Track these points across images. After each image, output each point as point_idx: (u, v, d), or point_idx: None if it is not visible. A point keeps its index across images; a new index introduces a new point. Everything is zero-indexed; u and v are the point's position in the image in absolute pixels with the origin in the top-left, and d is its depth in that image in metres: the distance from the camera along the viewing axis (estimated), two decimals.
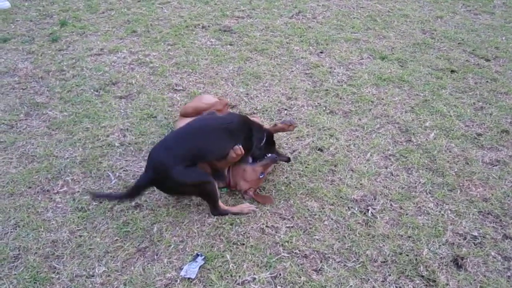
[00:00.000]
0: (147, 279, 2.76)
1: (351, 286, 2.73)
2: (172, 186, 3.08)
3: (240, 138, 3.22)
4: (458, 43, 5.81)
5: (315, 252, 2.95)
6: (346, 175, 3.58)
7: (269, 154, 3.41)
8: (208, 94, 4.43)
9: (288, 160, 3.63)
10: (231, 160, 3.18)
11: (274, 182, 3.50)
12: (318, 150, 3.85)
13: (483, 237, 3.09)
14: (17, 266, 2.85)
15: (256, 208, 3.24)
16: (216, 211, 3.18)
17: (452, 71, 5.12)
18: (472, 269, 2.85)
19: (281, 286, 2.73)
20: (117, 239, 3.03)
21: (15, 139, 3.94)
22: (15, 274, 2.79)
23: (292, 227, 3.14)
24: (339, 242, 3.02)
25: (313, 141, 3.94)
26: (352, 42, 5.75)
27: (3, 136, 3.98)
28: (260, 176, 3.34)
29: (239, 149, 3.12)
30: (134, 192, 3.05)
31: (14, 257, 2.91)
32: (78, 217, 3.19)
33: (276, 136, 3.93)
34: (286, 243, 3.00)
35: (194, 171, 3.02)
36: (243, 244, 2.99)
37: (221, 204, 3.19)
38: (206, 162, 3.19)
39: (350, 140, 3.98)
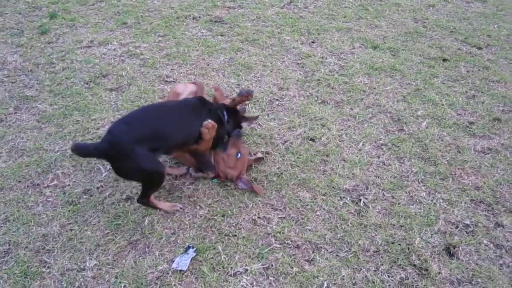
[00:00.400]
0: (139, 272, 2.75)
1: (343, 276, 2.73)
2: (126, 167, 2.88)
3: (203, 114, 3.12)
4: (450, 32, 5.80)
5: (307, 242, 2.94)
6: (338, 165, 3.57)
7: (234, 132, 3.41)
8: (180, 83, 4.34)
9: (256, 117, 3.72)
10: (207, 137, 3.08)
11: (265, 173, 3.49)
12: (310, 140, 3.84)
13: (475, 225, 3.09)
14: (7, 261, 2.84)
15: (182, 208, 3.19)
16: (143, 199, 3.06)
17: (444, 60, 5.11)
18: (464, 258, 2.86)
19: (273, 277, 2.73)
20: (108, 232, 3.02)
21: (5, 133, 3.90)
22: (5, 269, 2.78)
23: (284, 217, 3.13)
24: (331, 232, 3.02)
25: (304, 131, 3.93)
26: (344, 32, 5.72)
27: None
28: (237, 157, 3.31)
29: (208, 122, 3.04)
30: (83, 153, 2.97)
31: (5, 252, 2.89)
32: (69, 211, 3.17)
33: (267, 126, 3.93)
34: (278, 234, 2.99)
35: (153, 158, 2.88)
36: (235, 235, 2.98)
37: (151, 197, 3.09)
38: (183, 149, 3.19)
39: (342, 130, 3.96)
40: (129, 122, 2.93)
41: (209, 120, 3.05)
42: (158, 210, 3.16)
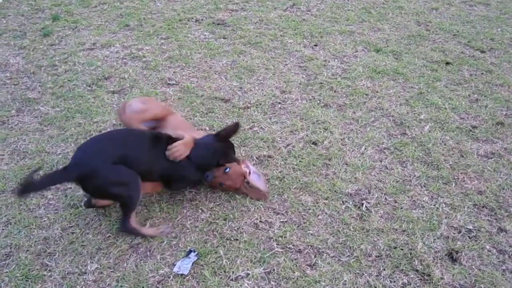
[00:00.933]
0: (140, 276, 2.75)
1: (345, 281, 2.72)
2: (96, 184, 2.78)
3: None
4: (453, 35, 5.79)
5: (309, 247, 2.93)
6: (341, 169, 3.56)
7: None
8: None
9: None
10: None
11: (267, 177, 3.48)
12: (312, 143, 3.83)
13: (478, 230, 3.08)
14: (8, 264, 2.83)
15: (168, 230, 3.04)
16: (125, 226, 2.93)
17: (447, 63, 5.10)
18: (467, 263, 2.84)
19: (275, 282, 2.72)
20: (109, 236, 3.01)
21: (7, 135, 3.90)
22: (6, 272, 2.77)
23: (286, 221, 3.12)
24: (333, 236, 3.01)
25: (307, 135, 3.92)
26: (347, 35, 5.71)
27: None
28: (226, 171, 3.22)
29: None
30: (45, 184, 2.84)
31: (6, 254, 2.89)
32: (70, 214, 3.16)
33: (269, 130, 3.92)
34: (280, 238, 2.98)
35: (122, 169, 2.80)
36: (237, 239, 2.97)
37: (133, 220, 2.94)
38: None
39: (344, 133, 3.96)
40: (96, 144, 2.92)
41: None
42: (158, 212, 3.15)
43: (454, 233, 3.05)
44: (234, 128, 3.17)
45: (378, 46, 5.43)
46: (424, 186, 3.43)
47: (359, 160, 3.66)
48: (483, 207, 3.27)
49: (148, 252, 2.90)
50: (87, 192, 2.97)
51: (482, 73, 4.92)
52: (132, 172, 2.84)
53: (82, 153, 2.84)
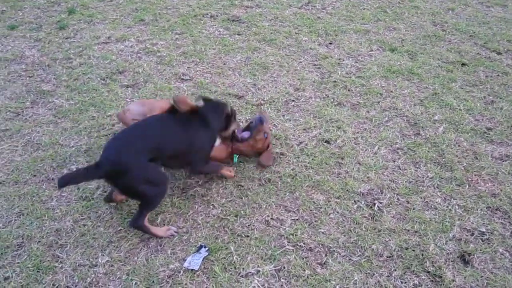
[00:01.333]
0: (150, 270, 2.75)
1: (355, 280, 2.71)
2: (128, 181, 2.76)
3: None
4: (470, 36, 5.72)
5: (320, 245, 2.92)
6: (353, 168, 3.54)
7: None
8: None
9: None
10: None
11: (280, 174, 3.47)
12: (325, 142, 3.81)
13: (491, 233, 3.04)
14: (20, 254, 2.85)
15: (176, 232, 3.01)
16: (137, 222, 2.89)
17: (463, 64, 5.05)
18: (479, 266, 2.82)
19: (285, 279, 2.71)
20: (121, 229, 3.03)
21: (21, 127, 3.92)
22: (18, 263, 2.80)
23: (297, 219, 3.11)
24: (344, 236, 2.99)
25: (320, 133, 3.90)
26: (362, 34, 5.68)
27: (9, 123, 3.97)
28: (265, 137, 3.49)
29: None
30: (78, 180, 2.84)
31: (18, 245, 2.91)
32: (82, 206, 3.18)
33: (282, 127, 3.91)
34: (291, 236, 2.97)
35: (154, 168, 2.84)
36: (248, 236, 2.97)
37: (146, 219, 2.92)
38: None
39: (357, 132, 3.93)
40: (127, 139, 2.89)
41: None
42: (170, 207, 3.16)
43: (466, 235, 3.02)
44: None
45: (393, 45, 5.39)
46: (437, 188, 3.40)
47: (372, 159, 3.64)
48: (496, 209, 3.24)
49: (159, 247, 2.91)
50: (117, 188, 2.92)
51: (498, 75, 4.87)
52: (164, 173, 2.89)
53: (113, 149, 2.82)
